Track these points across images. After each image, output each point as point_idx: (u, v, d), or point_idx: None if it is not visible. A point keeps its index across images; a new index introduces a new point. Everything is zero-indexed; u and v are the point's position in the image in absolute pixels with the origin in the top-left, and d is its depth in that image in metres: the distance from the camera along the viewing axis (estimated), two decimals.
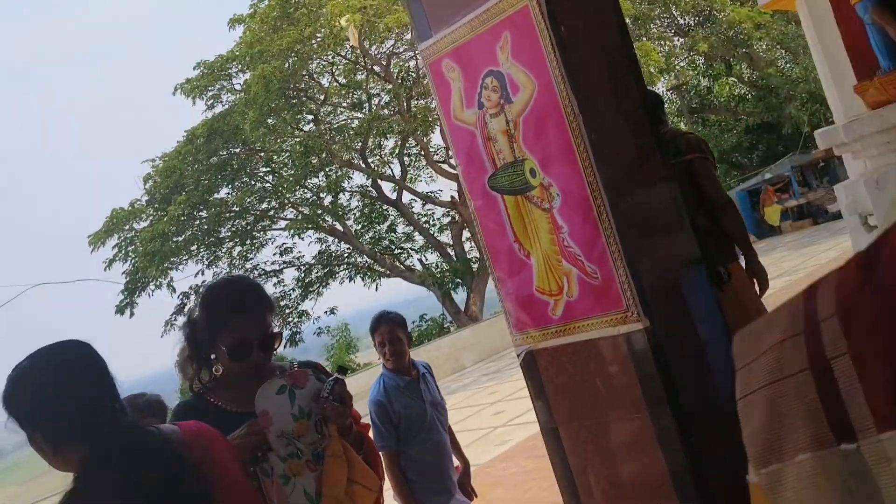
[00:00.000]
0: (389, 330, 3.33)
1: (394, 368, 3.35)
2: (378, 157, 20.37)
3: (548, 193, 2.92)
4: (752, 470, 0.68)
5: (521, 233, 3.05)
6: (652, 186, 3.05)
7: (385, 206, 21.37)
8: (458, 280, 20.10)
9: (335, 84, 20.03)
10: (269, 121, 18.19)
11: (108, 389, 1.39)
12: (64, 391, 1.34)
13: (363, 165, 19.76)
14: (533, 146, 2.93)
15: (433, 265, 21.05)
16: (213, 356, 1.94)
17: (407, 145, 20.19)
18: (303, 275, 21.26)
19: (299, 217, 20.15)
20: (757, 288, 3.36)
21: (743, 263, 3.50)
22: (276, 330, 1.93)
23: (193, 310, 1.99)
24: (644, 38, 19.79)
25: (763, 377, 0.67)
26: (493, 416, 9.28)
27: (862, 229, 4.44)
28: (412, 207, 21.47)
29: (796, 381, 0.64)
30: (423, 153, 20.32)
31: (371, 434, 2.42)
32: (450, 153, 20.55)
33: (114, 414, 1.36)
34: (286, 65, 17.60)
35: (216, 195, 19.87)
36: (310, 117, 20.03)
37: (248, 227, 20.79)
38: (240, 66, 19.31)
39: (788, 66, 24.45)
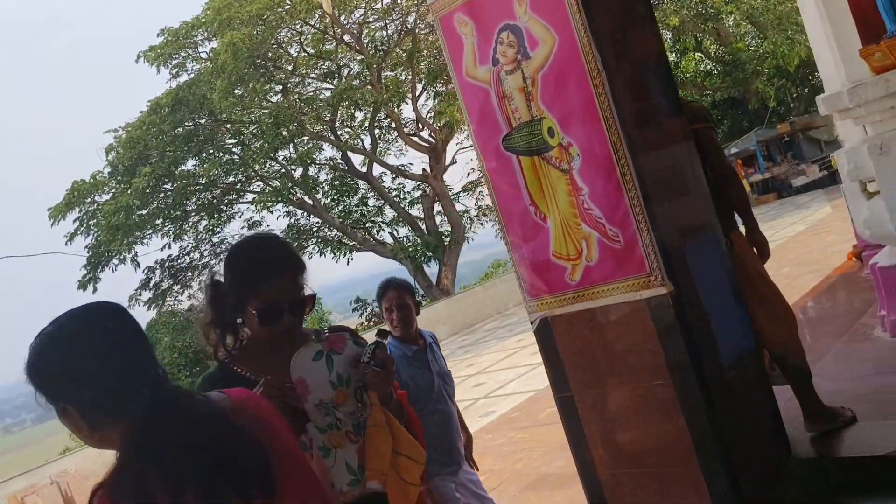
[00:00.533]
0: (398, 296, 3.19)
1: (401, 336, 3.22)
2: (349, 128, 20.03)
3: (567, 154, 2.80)
4: None
5: (537, 195, 2.93)
6: (674, 147, 2.96)
7: (355, 180, 21.08)
8: (429, 254, 19.98)
9: (304, 54, 19.57)
10: (237, 91, 17.72)
11: (147, 354, 1.24)
12: (99, 358, 1.19)
13: (333, 138, 19.41)
14: (552, 104, 2.80)
15: (404, 239, 20.89)
16: (239, 321, 1.79)
17: (378, 117, 19.88)
18: None
19: (268, 190, 19.76)
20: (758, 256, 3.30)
21: (744, 232, 3.46)
22: (308, 293, 1.79)
23: (216, 271, 1.82)
24: None
25: None
26: (473, 387, 9.24)
27: (861, 196, 4.42)
28: (383, 181, 21.22)
29: None
30: (394, 125, 20.04)
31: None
32: (420, 125, 20.34)
33: (157, 381, 1.21)
34: (255, 32, 17.11)
35: (182, 167, 19.36)
36: (278, 88, 19.57)
37: (215, 201, 20.34)
38: (206, 33, 18.73)
39: (756, 41, 24.57)
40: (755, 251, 3.35)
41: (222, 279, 1.80)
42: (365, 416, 1.70)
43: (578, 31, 2.66)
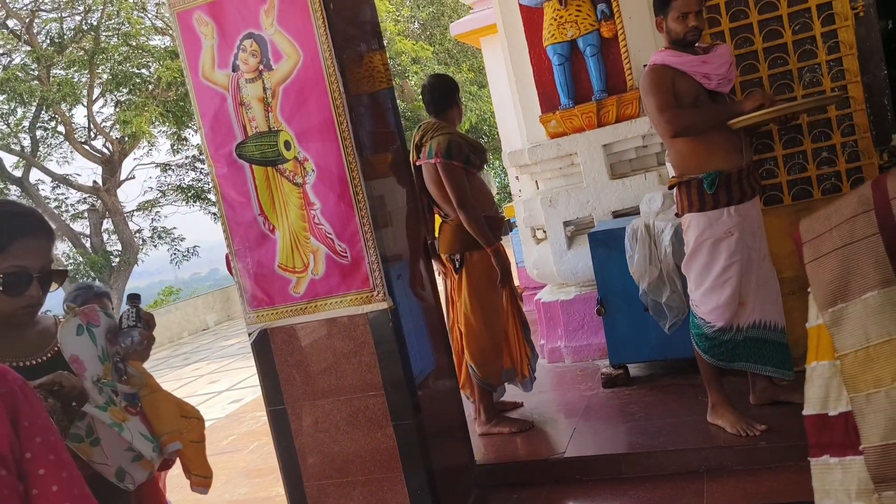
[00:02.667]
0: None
1: None
2: (5, 125, 17.40)
3: (302, 168, 2.86)
4: (815, 313, 0.95)
5: (267, 206, 2.93)
6: (401, 173, 3.18)
7: (6, 183, 18.29)
8: (93, 275, 18.03)
9: None
10: None
11: None
12: None
13: None
14: (291, 118, 2.85)
15: (64, 256, 18.59)
16: None
17: (42, 117, 17.60)
18: None
19: None
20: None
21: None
22: (59, 268, 1.58)
23: None
24: None
25: (835, 243, 0.94)
26: None
27: (532, 241, 5.15)
28: (40, 189, 18.73)
29: (867, 242, 0.91)
30: (59, 128, 17.89)
31: None
32: (93, 133, 18.46)
33: None
34: None
35: None
36: None
37: None
38: None
39: None
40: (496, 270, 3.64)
41: None
42: (139, 385, 1.59)
43: (324, 53, 2.76)
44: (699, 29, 2.95)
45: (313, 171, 2.85)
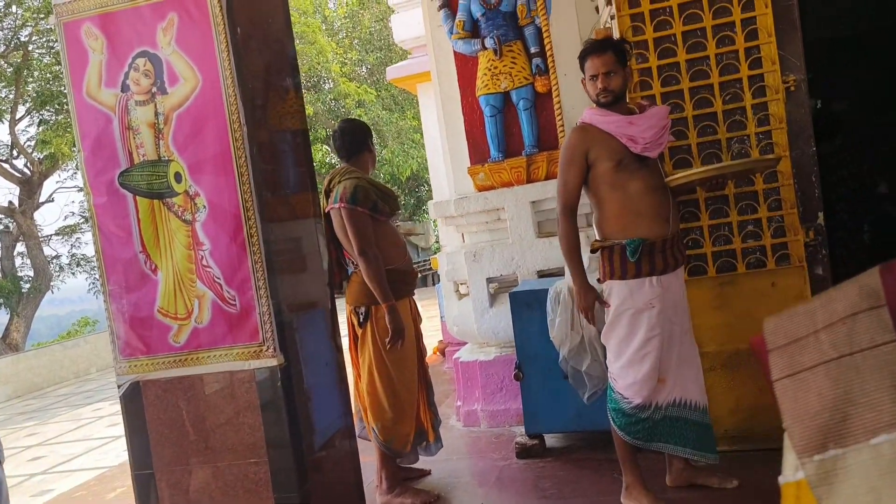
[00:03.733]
0: None
1: None
2: None
3: (192, 203, 2.58)
4: (794, 461, 0.56)
5: (150, 243, 2.62)
6: (304, 219, 2.92)
7: None
8: (0, 300, 16.98)
9: None
10: None
11: None
12: None
13: None
14: (184, 147, 2.57)
15: None
16: None
17: None
18: None
19: None
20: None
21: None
22: None
23: None
24: None
25: (825, 353, 0.57)
26: (30, 461, 7.82)
27: (454, 295, 4.92)
28: None
29: (877, 354, 0.55)
30: None
31: None
32: (14, 152, 17.60)
33: None
34: None
35: None
36: None
37: None
38: None
39: (377, 148, 26.86)
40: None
41: None
42: None
43: (225, 79, 2.52)
44: (609, 91, 2.84)
45: (205, 207, 2.57)
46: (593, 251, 2.91)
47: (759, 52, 3.36)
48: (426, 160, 22.01)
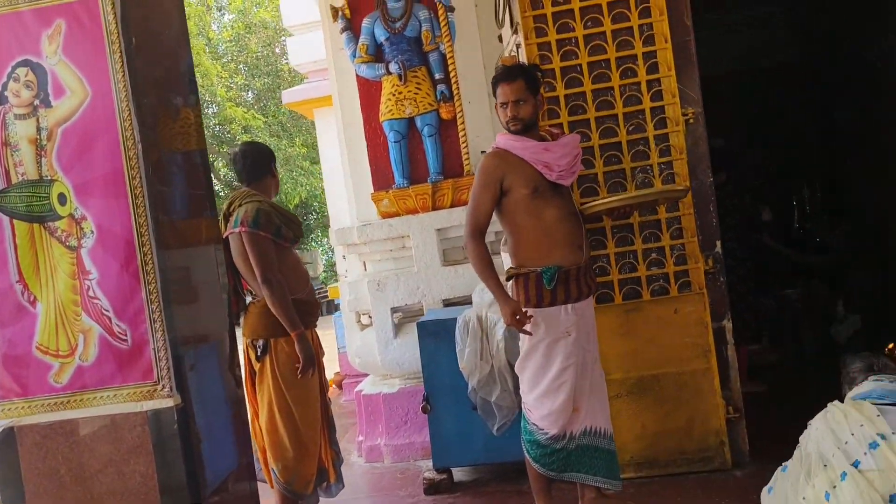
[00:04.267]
0: None
1: None
2: None
3: (79, 228, 2.36)
4: None
5: (29, 271, 2.37)
6: (203, 246, 2.74)
7: None
8: None
9: None
10: None
11: None
12: None
13: None
14: (70, 167, 2.35)
15: None
16: None
17: None
18: None
19: None
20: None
21: None
22: None
23: None
24: None
25: None
26: None
27: (356, 326, 4.78)
28: None
29: None
30: None
31: None
32: None
33: None
34: None
35: None
36: None
37: None
38: None
39: None
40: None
41: None
42: None
43: (118, 93, 2.33)
44: (519, 119, 2.86)
45: (93, 232, 2.35)
46: (508, 279, 2.89)
47: (660, 84, 3.48)
48: (315, 188, 21.62)
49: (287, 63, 20.11)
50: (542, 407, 2.85)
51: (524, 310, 2.78)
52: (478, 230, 2.87)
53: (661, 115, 3.49)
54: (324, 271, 23.17)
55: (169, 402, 2.37)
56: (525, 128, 2.89)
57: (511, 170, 2.80)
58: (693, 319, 3.52)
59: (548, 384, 2.82)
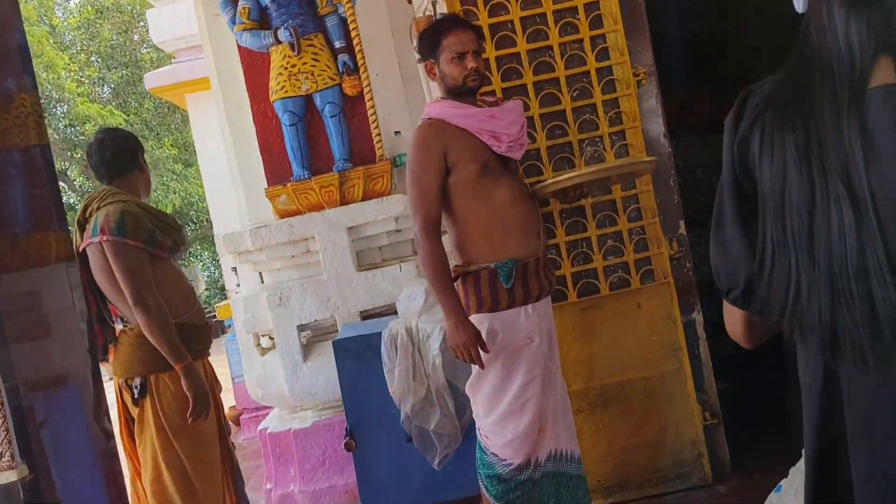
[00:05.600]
0: None
1: None
2: None
3: None
4: None
5: None
6: (49, 263, 2.28)
7: None
8: None
9: None
10: None
11: None
12: None
13: None
14: None
15: None
16: None
17: None
18: None
19: None
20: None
21: None
22: None
23: None
24: None
25: None
26: None
27: (255, 351, 4.32)
28: None
29: None
30: None
31: None
32: None
33: None
34: None
35: None
36: None
37: None
38: None
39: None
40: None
41: None
42: None
43: None
44: (480, 73, 2.54)
45: None
46: (455, 278, 2.54)
47: (605, 41, 3.25)
48: (190, 194, 20.73)
49: (148, 52, 19.18)
50: (504, 432, 2.52)
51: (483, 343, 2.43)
52: (431, 223, 2.49)
53: (608, 76, 3.25)
54: (206, 289, 22.24)
55: (12, 476, 1.91)
56: (481, 85, 2.61)
57: (454, 143, 2.46)
58: (659, 314, 3.31)
59: (509, 403, 2.50)
